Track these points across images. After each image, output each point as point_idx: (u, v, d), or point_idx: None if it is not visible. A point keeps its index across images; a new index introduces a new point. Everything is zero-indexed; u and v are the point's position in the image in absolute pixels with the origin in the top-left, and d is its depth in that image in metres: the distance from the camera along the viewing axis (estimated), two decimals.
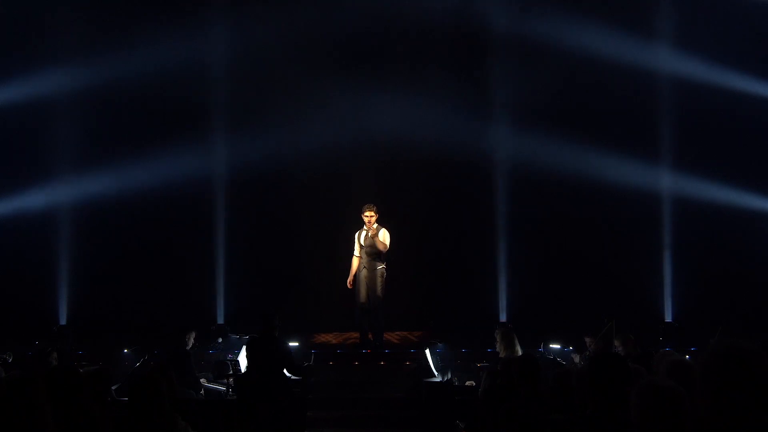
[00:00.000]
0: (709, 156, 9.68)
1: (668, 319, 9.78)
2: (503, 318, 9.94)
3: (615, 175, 9.69)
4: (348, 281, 8.54)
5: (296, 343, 8.33)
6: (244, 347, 6.97)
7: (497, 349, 6.96)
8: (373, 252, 8.36)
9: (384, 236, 8.31)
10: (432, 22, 10.05)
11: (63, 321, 9.87)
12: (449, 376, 7.83)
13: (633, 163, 9.77)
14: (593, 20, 9.68)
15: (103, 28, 9.94)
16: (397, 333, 9.56)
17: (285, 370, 6.53)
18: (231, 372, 7.13)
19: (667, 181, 9.99)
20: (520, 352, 6.41)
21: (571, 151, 9.64)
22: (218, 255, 10.15)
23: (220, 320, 9.95)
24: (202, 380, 7.47)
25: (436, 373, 7.90)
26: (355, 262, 8.53)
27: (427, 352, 8.19)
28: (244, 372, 6.75)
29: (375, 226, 8.34)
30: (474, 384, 7.60)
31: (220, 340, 8.94)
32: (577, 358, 7.75)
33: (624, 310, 9.16)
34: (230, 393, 7.04)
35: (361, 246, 8.46)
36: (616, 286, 9.50)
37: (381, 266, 8.38)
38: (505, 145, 10.11)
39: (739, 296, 9.37)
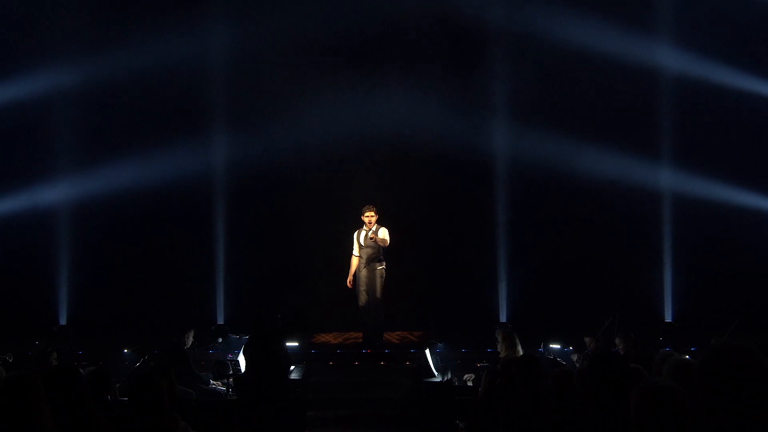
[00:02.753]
0: (709, 155, 9.60)
1: (668, 319, 9.75)
2: (503, 318, 9.93)
3: (615, 174, 9.65)
4: (348, 280, 8.56)
5: (296, 343, 8.33)
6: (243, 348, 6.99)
7: (498, 350, 6.96)
8: (373, 252, 8.38)
9: (384, 233, 8.35)
10: (431, 18, 10.01)
11: (63, 321, 9.86)
12: (449, 376, 7.83)
13: (633, 163, 9.71)
14: (593, 16, 9.60)
15: (102, 23, 9.86)
16: (397, 333, 9.56)
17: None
18: (231, 372, 7.14)
19: (668, 182, 9.92)
20: (521, 353, 6.41)
21: (571, 150, 9.60)
22: (218, 255, 10.13)
23: (220, 320, 9.94)
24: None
25: (436, 373, 7.91)
26: (354, 261, 8.56)
27: (427, 352, 8.20)
28: (244, 372, 6.76)
29: (375, 227, 8.39)
30: (473, 376, 7.62)
31: (220, 340, 8.94)
32: (575, 357, 7.75)
33: (624, 310, 9.17)
34: (230, 393, 7.05)
35: (360, 246, 8.49)
36: (616, 286, 9.48)
37: (381, 266, 8.40)
38: (505, 144, 10.08)
39: (740, 296, 9.33)
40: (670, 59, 9.83)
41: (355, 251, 8.57)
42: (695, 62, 9.64)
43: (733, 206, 9.57)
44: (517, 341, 6.68)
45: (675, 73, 9.84)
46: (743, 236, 9.64)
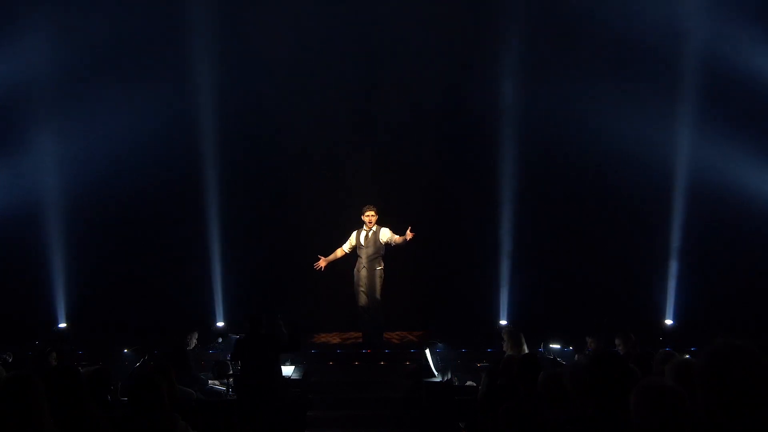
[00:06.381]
0: (721, 151, 9.32)
1: (668, 319, 9.72)
2: (503, 318, 9.91)
3: (619, 173, 9.56)
4: (319, 263, 8.58)
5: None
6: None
7: (504, 348, 6.93)
8: (372, 252, 8.39)
9: (387, 233, 8.38)
10: None
11: (63, 321, 9.85)
12: (449, 376, 7.84)
13: (638, 161, 9.53)
14: None
15: None
16: (397, 333, 9.56)
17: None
18: (231, 372, 7.14)
19: (675, 179, 9.76)
20: (526, 351, 6.40)
21: (575, 147, 9.52)
22: (217, 254, 10.12)
23: (220, 321, 9.93)
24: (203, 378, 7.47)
25: (436, 373, 7.91)
26: (337, 252, 8.64)
27: (427, 352, 8.20)
28: (240, 373, 6.76)
29: (375, 227, 8.41)
30: (474, 384, 7.61)
31: (220, 340, 8.94)
32: (576, 357, 7.74)
33: (624, 310, 9.16)
34: (230, 393, 7.05)
35: (360, 246, 8.50)
36: (617, 286, 9.46)
37: (380, 267, 8.41)
38: (506, 141, 10.03)
39: (740, 296, 9.28)
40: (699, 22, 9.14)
41: (345, 247, 8.63)
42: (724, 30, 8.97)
43: (734, 207, 9.42)
44: (523, 340, 6.68)
45: (703, 41, 9.22)
46: (747, 235, 9.54)
